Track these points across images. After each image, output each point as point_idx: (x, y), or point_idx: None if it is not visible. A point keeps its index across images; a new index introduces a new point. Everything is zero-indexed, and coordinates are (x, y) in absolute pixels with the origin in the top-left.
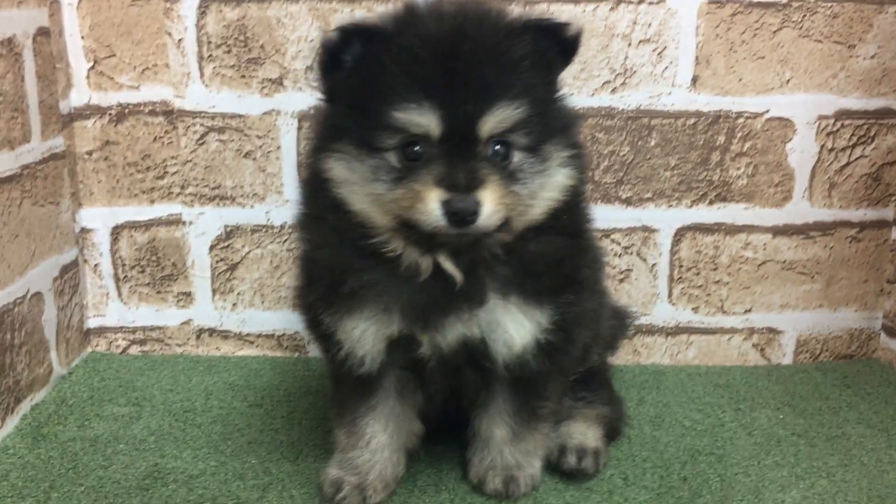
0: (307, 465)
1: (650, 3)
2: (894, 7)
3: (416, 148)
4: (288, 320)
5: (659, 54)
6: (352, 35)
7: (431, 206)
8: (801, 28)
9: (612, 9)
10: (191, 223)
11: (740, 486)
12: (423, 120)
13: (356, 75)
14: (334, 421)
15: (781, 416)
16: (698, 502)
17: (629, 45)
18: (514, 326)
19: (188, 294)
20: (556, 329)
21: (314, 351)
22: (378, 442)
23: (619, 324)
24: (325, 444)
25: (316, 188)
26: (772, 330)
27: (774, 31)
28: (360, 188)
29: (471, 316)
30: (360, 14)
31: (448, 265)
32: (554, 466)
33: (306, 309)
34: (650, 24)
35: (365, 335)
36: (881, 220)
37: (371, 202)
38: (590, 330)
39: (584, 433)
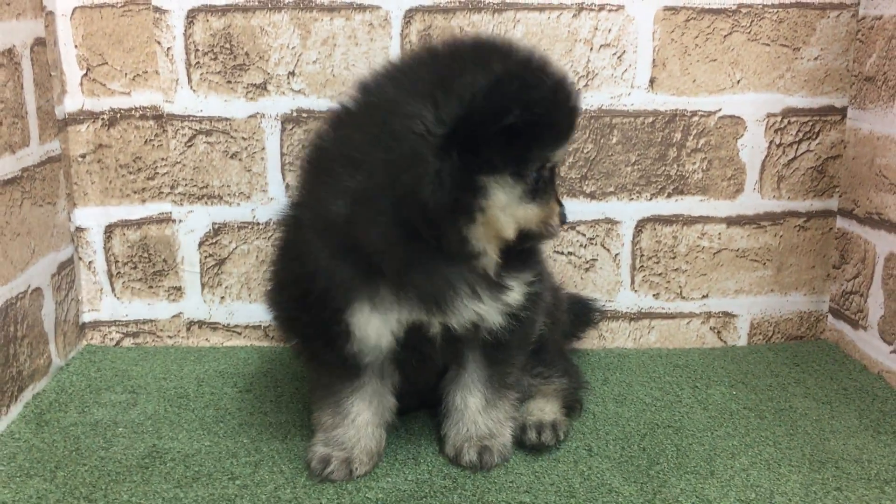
0: (295, 444)
1: (610, 10)
2: (836, 12)
3: (546, 173)
4: None
5: (619, 58)
6: (515, 104)
7: (556, 216)
8: (749, 32)
9: (574, 16)
10: (180, 221)
11: (694, 454)
12: (561, 153)
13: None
14: (316, 403)
15: (734, 393)
16: (655, 469)
17: (591, 49)
18: (512, 295)
19: (178, 288)
20: (528, 298)
21: None
22: (363, 419)
23: (583, 311)
24: (311, 425)
25: (429, 212)
26: (727, 314)
27: (725, 36)
28: (509, 208)
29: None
30: (339, 23)
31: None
32: (518, 444)
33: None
34: (610, 30)
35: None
36: (826, 209)
37: (512, 219)
38: (544, 305)
39: (542, 408)
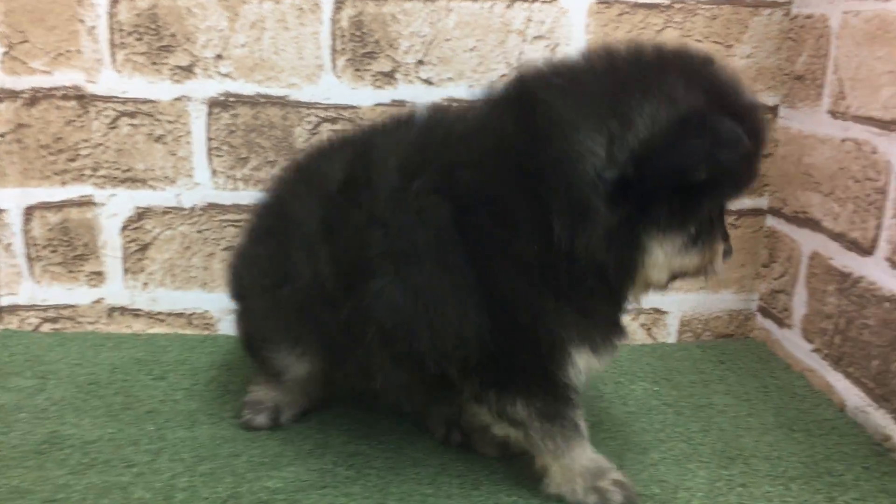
0: (202, 432)
1: (543, 2)
2: (768, 10)
3: (714, 217)
4: (198, 299)
5: (552, 50)
6: (702, 162)
7: (719, 257)
8: (682, 28)
9: (508, 6)
10: (102, 205)
11: (605, 449)
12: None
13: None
14: None
15: (657, 389)
16: None
17: (524, 40)
18: None
19: (100, 273)
20: None
21: (223, 329)
22: None
23: None
24: (222, 413)
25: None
26: (657, 311)
27: (658, 31)
28: (666, 262)
29: None
30: (268, 6)
31: None
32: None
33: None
34: (544, 22)
35: None
36: (756, 208)
37: (666, 270)
38: None
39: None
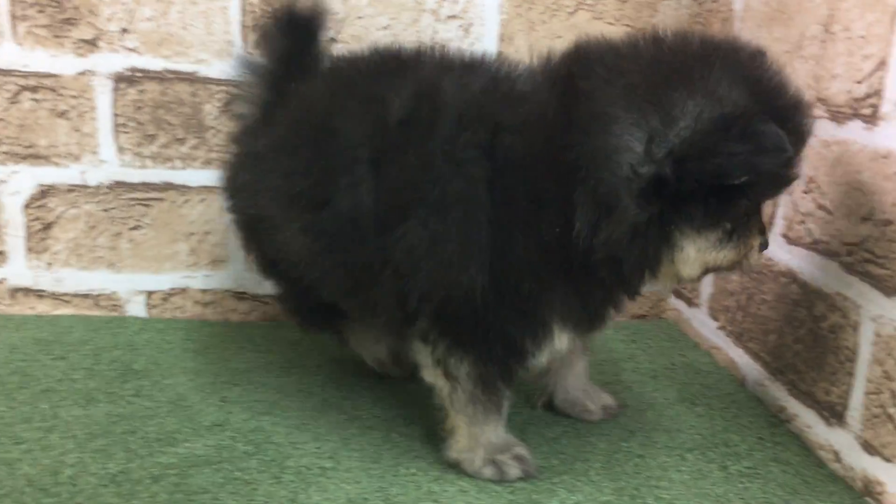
0: (98, 410)
1: None
2: None
3: (752, 212)
4: (105, 279)
5: (466, 30)
6: (742, 168)
7: (756, 251)
8: (594, 11)
9: None
10: (4, 182)
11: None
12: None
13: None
14: None
15: None
16: None
17: (437, 20)
18: None
19: (1, 253)
20: None
21: (132, 310)
22: None
23: None
24: (121, 391)
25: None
26: None
27: (570, 13)
28: (699, 256)
29: None
30: None
31: None
32: None
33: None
34: (457, 1)
35: None
36: None
37: (699, 264)
38: None
39: None
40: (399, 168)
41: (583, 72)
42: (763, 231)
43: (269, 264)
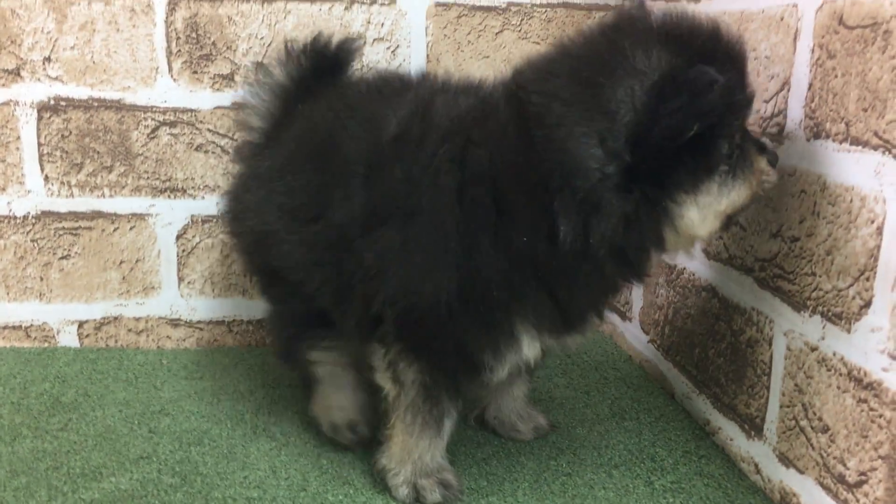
0: (23, 446)
1: (382, 4)
2: (601, 13)
3: (738, 139)
4: (36, 310)
5: (393, 52)
6: (690, 118)
7: (766, 167)
8: (520, 31)
9: (346, 8)
10: None
11: None
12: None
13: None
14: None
15: None
16: None
17: (365, 43)
18: None
19: None
20: None
21: (64, 340)
22: None
23: None
24: (48, 426)
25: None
26: None
27: (497, 33)
28: (708, 210)
29: None
30: (98, 7)
31: None
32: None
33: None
34: (383, 24)
35: None
36: None
37: (713, 216)
38: None
39: None
40: (386, 180)
41: (526, 94)
42: (763, 148)
43: (269, 282)
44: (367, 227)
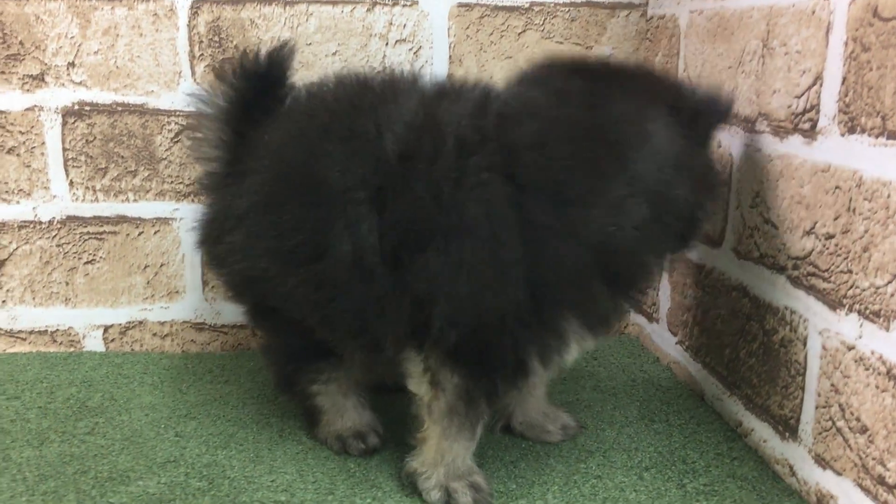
0: (50, 450)
1: (404, 6)
2: (625, 11)
3: None
4: (61, 315)
5: (415, 53)
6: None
7: None
8: (543, 30)
9: (368, 10)
10: None
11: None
12: None
13: None
14: None
15: None
16: None
17: (387, 44)
18: None
19: None
20: None
21: (89, 344)
22: None
23: None
24: (75, 430)
25: None
26: None
27: (519, 33)
28: None
29: None
30: (121, 13)
31: None
32: None
33: None
34: (405, 25)
35: None
36: None
37: None
38: None
39: None
40: (403, 202)
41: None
42: None
43: (262, 317)
44: (398, 257)
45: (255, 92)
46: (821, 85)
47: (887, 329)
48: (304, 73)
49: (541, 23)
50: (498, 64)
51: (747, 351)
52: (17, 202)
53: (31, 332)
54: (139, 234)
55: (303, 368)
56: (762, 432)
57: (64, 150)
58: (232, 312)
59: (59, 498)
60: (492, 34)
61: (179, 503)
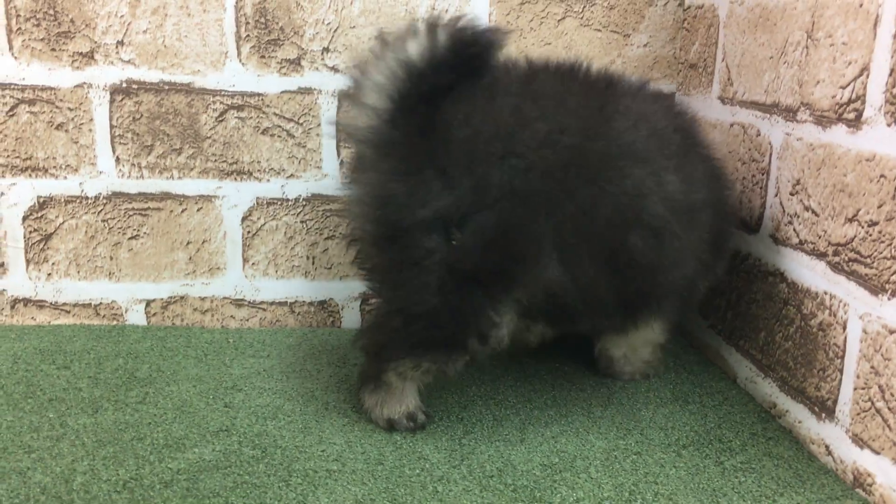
0: (105, 418)
1: None
2: (663, 1)
3: None
4: (105, 289)
5: None
6: None
7: None
8: (582, 18)
9: None
10: (2, 194)
11: (509, 423)
12: None
13: None
14: None
15: (557, 366)
16: (468, 437)
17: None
18: None
19: (1, 265)
20: None
21: (132, 318)
22: None
23: None
24: (127, 399)
25: None
26: None
27: (559, 21)
28: None
29: None
30: None
31: None
32: None
33: None
34: (447, 10)
35: None
36: None
37: None
38: None
39: None
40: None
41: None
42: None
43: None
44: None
45: (457, 61)
46: (867, 76)
47: None
48: (348, 55)
49: (580, 10)
50: (537, 50)
51: (783, 335)
52: (65, 177)
53: (75, 305)
54: (182, 210)
55: (425, 354)
56: (797, 413)
57: (111, 127)
58: (270, 290)
59: (118, 463)
60: (532, 20)
61: (236, 469)
